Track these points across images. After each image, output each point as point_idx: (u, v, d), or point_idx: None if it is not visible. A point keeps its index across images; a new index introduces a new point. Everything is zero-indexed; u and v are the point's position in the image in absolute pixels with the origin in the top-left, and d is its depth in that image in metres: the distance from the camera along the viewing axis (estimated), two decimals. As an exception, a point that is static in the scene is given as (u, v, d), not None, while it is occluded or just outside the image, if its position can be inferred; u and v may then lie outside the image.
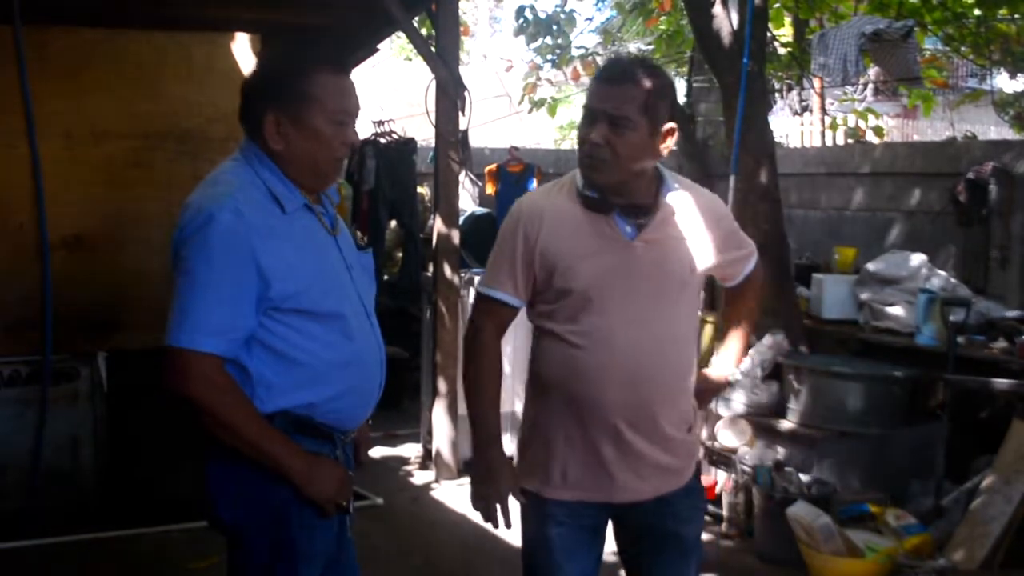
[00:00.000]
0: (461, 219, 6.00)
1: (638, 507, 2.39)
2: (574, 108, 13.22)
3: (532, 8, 9.90)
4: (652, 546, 2.43)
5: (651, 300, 2.31)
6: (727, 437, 4.94)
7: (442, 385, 5.66)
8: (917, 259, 5.39)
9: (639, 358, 2.30)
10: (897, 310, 5.23)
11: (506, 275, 2.36)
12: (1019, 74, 10.27)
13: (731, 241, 2.51)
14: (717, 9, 5.43)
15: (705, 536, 4.72)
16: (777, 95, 9.85)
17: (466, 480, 5.60)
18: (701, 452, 4.91)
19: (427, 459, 5.87)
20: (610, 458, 2.33)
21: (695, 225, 2.39)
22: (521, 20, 9.89)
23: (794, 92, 9.78)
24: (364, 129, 7.81)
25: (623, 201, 2.31)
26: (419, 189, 8.29)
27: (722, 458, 4.87)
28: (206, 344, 2.03)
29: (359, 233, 7.70)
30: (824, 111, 10.48)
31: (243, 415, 2.07)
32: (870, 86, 11.06)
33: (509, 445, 2.50)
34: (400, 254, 8.27)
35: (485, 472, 2.38)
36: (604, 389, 2.29)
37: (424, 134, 8.63)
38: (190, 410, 2.07)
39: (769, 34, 7.04)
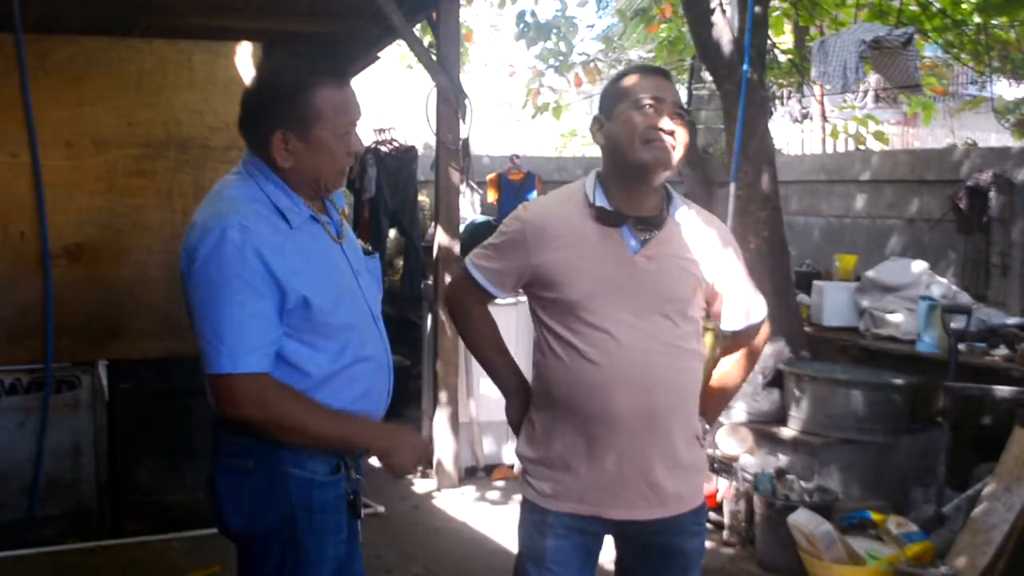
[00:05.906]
0: (462, 227, 5.99)
1: (642, 523, 2.33)
2: (576, 115, 13.24)
3: (533, 13, 9.94)
4: (656, 563, 2.39)
5: (653, 313, 2.27)
6: (728, 444, 4.93)
7: (443, 394, 5.66)
8: (918, 266, 5.39)
9: (649, 363, 2.25)
10: (898, 317, 5.23)
11: (501, 274, 2.39)
12: (1019, 81, 10.26)
13: (736, 273, 2.42)
14: (717, 17, 5.44)
15: (706, 544, 4.76)
16: (777, 102, 9.85)
17: (467, 488, 5.62)
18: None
19: (428, 468, 5.87)
20: (614, 473, 2.28)
21: (700, 246, 2.34)
22: (522, 25, 9.93)
23: (794, 99, 9.78)
24: (365, 137, 7.82)
25: (635, 214, 2.29)
26: (420, 197, 8.29)
27: (723, 466, 4.86)
28: (250, 364, 2.03)
29: (361, 241, 7.70)
30: (824, 118, 10.47)
31: (306, 416, 2.10)
32: (871, 93, 11.07)
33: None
34: (401, 262, 8.28)
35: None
36: (613, 397, 2.23)
37: (425, 142, 8.65)
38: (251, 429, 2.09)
39: (769, 41, 7.05)
